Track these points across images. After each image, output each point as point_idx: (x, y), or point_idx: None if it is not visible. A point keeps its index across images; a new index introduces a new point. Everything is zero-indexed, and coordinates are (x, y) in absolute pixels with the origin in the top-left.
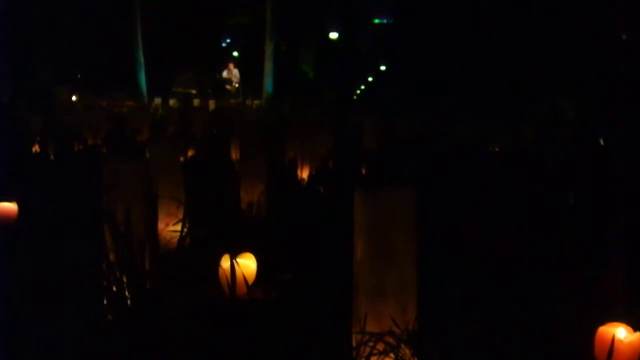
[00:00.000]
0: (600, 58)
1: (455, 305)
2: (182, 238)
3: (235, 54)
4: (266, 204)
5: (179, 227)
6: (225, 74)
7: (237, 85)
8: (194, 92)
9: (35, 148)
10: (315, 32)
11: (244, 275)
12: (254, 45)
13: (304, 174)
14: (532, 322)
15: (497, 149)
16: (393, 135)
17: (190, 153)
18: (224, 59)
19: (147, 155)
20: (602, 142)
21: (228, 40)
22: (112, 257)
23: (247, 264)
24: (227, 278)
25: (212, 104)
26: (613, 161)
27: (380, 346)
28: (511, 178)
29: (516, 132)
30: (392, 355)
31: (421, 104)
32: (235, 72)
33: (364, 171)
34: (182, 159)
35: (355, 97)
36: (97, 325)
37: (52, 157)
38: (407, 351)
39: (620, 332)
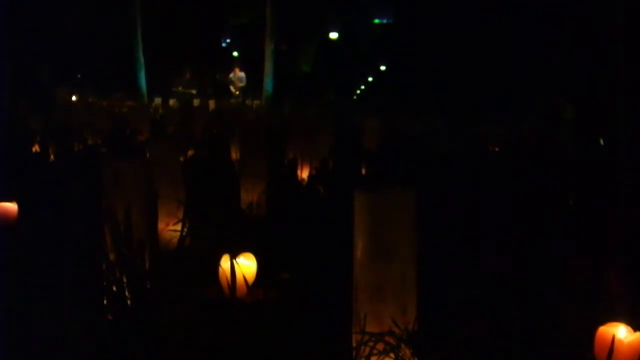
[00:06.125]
0: (600, 58)
1: (456, 305)
2: (182, 238)
3: (235, 54)
4: (266, 204)
5: (179, 227)
6: (231, 77)
7: (243, 87)
8: (194, 92)
9: (35, 148)
10: (315, 32)
11: (244, 275)
12: (254, 45)
13: (304, 174)
14: (532, 322)
15: (497, 149)
16: (393, 135)
17: (190, 153)
18: (224, 59)
19: (147, 155)
20: (602, 142)
21: (228, 40)
22: (112, 257)
23: (247, 264)
24: (227, 278)
25: (212, 104)
26: (613, 161)
27: (380, 346)
28: (511, 178)
29: (516, 132)
30: (392, 355)
31: (421, 103)
32: (242, 75)
33: (364, 171)
34: (182, 158)
35: (355, 97)
36: (97, 325)
37: (52, 157)
38: (407, 351)
39: (620, 332)
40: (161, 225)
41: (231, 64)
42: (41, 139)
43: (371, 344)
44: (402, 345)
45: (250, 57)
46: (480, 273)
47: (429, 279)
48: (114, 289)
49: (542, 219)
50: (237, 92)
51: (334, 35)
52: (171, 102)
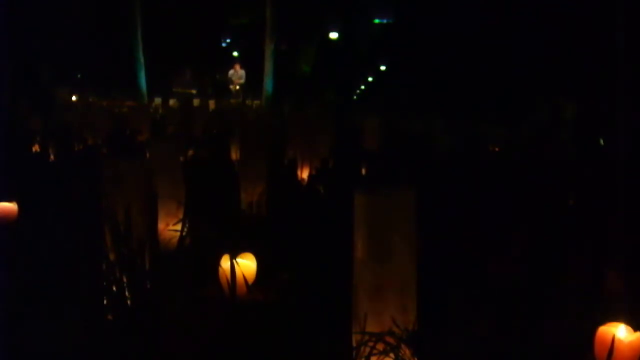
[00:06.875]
0: (600, 58)
1: (456, 305)
2: (182, 238)
3: (235, 54)
4: (266, 204)
5: (179, 227)
6: (231, 74)
7: (242, 84)
8: (194, 92)
9: (35, 148)
10: (315, 32)
11: (244, 275)
12: (254, 45)
13: (304, 174)
14: (532, 321)
15: (497, 149)
16: (393, 135)
17: (190, 153)
18: (224, 59)
19: (147, 155)
20: (602, 142)
21: (228, 40)
22: (112, 257)
23: (247, 264)
24: (227, 278)
25: (212, 104)
26: (613, 161)
27: (380, 346)
28: (511, 178)
29: (516, 131)
30: (392, 355)
31: (421, 103)
32: (242, 73)
33: (364, 171)
34: (182, 159)
35: (355, 97)
36: (97, 325)
37: (52, 157)
38: (407, 351)
39: (620, 332)
40: (161, 225)
41: (231, 63)
42: (41, 139)
43: (371, 344)
44: (402, 345)
45: (250, 57)
46: (480, 273)
47: (429, 279)
48: (114, 289)
49: (542, 219)
50: (237, 88)
51: (334, 35)
52: (171, 102)
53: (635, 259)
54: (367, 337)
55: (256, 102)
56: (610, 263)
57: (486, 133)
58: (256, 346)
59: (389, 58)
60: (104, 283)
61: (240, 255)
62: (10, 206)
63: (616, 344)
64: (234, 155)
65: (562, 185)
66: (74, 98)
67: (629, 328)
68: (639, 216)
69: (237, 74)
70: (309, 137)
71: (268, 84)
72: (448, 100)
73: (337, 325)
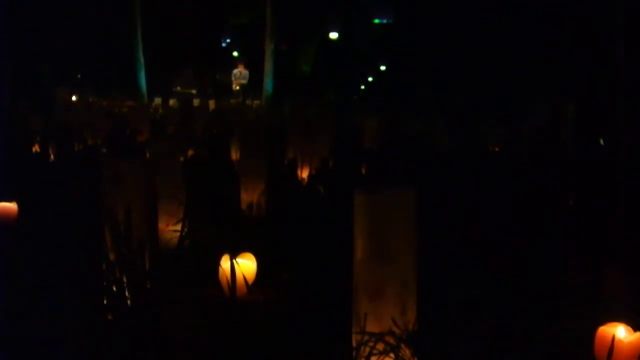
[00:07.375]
0: (600, 58)
1: (456, 305)
2: (182, 238)
3: (235, 54)
4: (266, 204)
5: (179, 227)
6: (234, 73)
7: (244, 84)
8: (194, 92)
9: (35, 148)
10: (315, 32)
11: (244, 275)
12: (254, 45)
13: (304, 174)
14: (533, 322)
15: (497, 149)
16: (393, 134)
17: (190, 153)
18: (224, 59)
19: (147, 155)
20: (602, 142)
21: (228, 40)
22: (112, 257)
23: (247, 264)
24: (227, 278)
25: (212, 104)
26: (613, 161)
27: (380, 346)
28: (511, 178)
29: (516, 132)
30: (392, 355)
31: (421, 103)
32: (245, 73)
33: (364, 171)
34: (182, 158)
35: (355, 97)
36: (97, 325)
37: (52, 157)
38: (407, 351)
39: (620, 332)
40: (161, 225)
41: (232, 63)
42: (41, 139)
43: (371, 344)
44: (402, 345)
45: (250, 57)
46: (480, 273)
47: (429, 279)
48: (114, 289)
49: (542, 219)
50: (238, 88)
51: (334, 35)
52: (171, 102)
53: (635, 259)
54: (367, 337)
55: (256, 102)
56: (610, 263)
57: (486, 133)
58: (256, 346)
59: (389, 58)
60: (104, 283)
61: (240, 255)
62: (10, 206)
63: (616, 344)
64: (234, 155)
65: (562, 185)
66: (74, 98)
67: (629, 328)
68: (639, 216)
69: (241, 74)
70: (309, 137)
71: (268, 84)
72: (448, 100)
73: (337, 325)
